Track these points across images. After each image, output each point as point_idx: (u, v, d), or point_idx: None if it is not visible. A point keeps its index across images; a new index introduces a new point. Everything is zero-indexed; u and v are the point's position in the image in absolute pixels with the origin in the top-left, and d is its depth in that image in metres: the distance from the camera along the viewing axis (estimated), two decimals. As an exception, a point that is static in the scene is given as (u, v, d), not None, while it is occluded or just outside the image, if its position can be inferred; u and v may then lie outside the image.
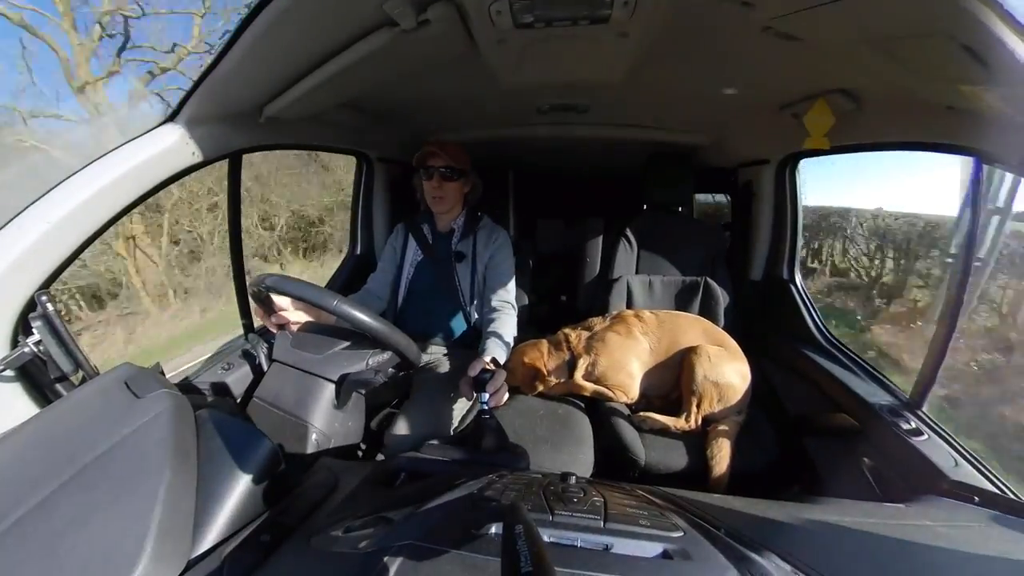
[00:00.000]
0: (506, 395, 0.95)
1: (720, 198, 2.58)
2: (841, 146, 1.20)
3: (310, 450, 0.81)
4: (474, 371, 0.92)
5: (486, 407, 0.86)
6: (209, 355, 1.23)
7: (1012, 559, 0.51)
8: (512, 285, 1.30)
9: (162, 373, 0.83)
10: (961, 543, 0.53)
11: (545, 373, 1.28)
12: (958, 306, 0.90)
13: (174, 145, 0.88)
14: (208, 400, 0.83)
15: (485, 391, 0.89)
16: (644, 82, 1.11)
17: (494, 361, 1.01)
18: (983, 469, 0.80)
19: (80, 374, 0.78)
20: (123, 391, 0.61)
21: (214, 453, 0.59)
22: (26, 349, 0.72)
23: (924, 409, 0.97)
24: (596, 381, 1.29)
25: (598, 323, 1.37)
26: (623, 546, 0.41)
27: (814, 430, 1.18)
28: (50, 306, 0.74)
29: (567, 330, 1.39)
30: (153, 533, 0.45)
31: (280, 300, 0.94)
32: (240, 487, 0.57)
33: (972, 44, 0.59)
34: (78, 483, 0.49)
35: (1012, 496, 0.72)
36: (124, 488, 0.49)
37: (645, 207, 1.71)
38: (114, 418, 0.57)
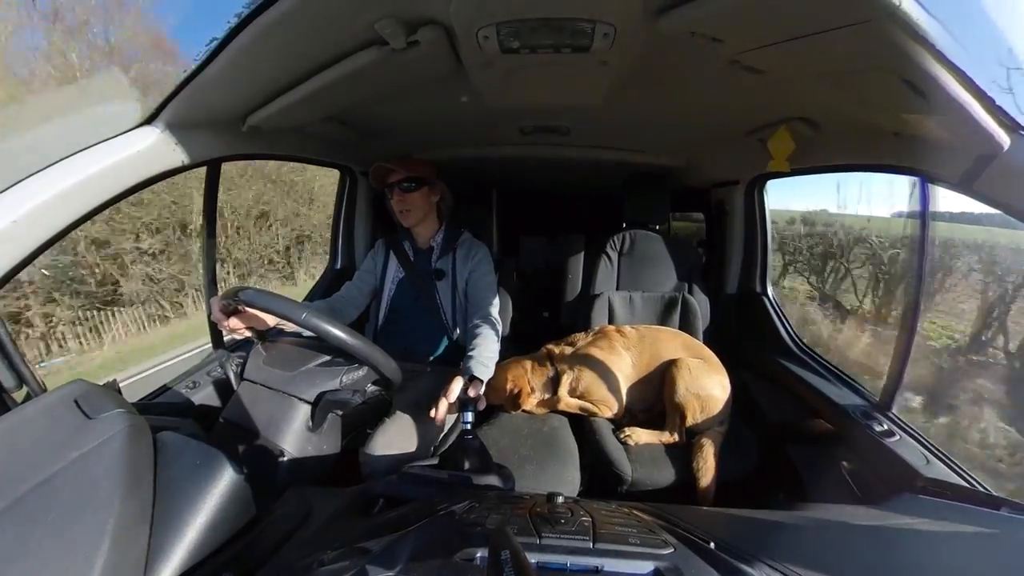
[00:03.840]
0: (483, 403, 0.93)
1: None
2: (802, 168, 1.30)
3: (281, 476, 0.77)
4: (452, 394, 0.89)
5: (469, 427, 0.83)
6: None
7: (984, 549, 0.53)
8: (495, 299, 1.28)
9: (119, 391, 0.76)
10: (939, 538, 0.56)
11: (529, 390, 1.26)
12: (916, 312, 0.97)
13: (150, 148, 0.85)
14: (170, 421, 0.76)
15: (467, 410, 0.86)
16: (622, 107, 1.18)
17: (472, 379, 0.98)
18: (953, 465, 0.84)
19: (24, 390, 0.71)
20: (72, 410, 0.56)
21: (174, 480, 0.55)
22: None
23: (894, 411, 1.02)
24: (580, 397, 1.29)
25: (581, 339, 1.39)
26: (614, 566, 0.41)
27: (794, 436, 1.21)
28: None
29: (550, 346, 1.40)
30: (98, 572, 0.41)
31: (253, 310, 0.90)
32: (201, 518, 0.52)
33: (911, 78, 0.66)
34: (15, 513, 0.43)
35: (981, 489, 0.75)
36: (68, 520, 0.44)
37: (624, 225, 1.76)
38: (61, 440, 0.51)
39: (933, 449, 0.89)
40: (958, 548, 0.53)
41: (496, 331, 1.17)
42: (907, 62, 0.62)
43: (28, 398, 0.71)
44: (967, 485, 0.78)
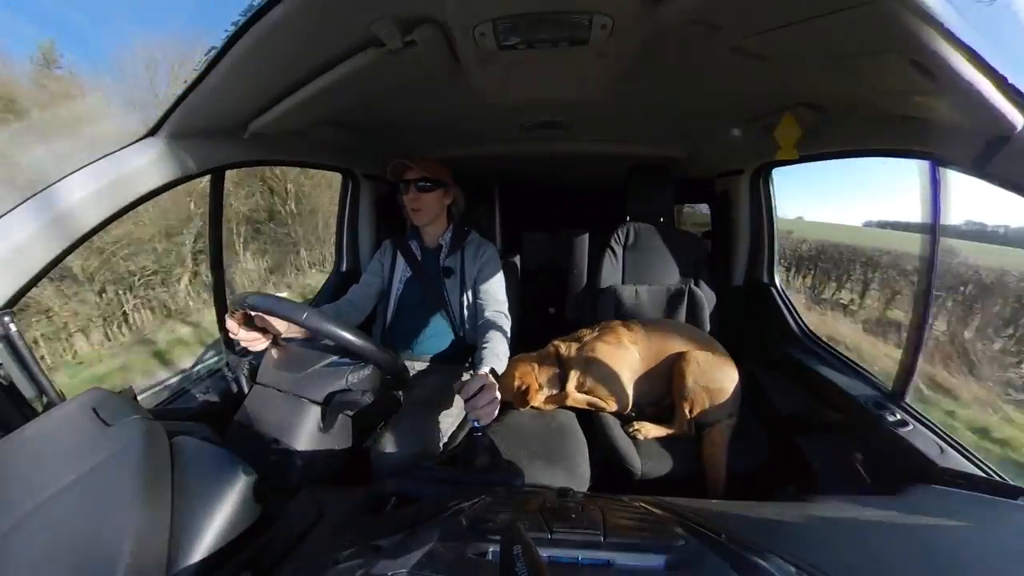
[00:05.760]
0: (496, 409, 0.87)
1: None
2: (808, 155, 1.27)
3: (294, 477, 0.78)
4: (470, 391, 0.85)
5: (477, 424, 0.83)
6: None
7: (1001, 540, 0.52)
8: (503, 296, 1.29)
9: (135, 398, 0.78)
10: (954, 528, 0.55)
11: (537, 386, 1.26)
12: (928, 300, 0.95)
13: (155, 159, 0.86)
14: (185, 426, 0.78)
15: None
16: (622, 99, 1.16)
17: (492, 372, 0.97)
18: (968, 454, 0.83)
19: (44, 400, 0.73)
20: (91, 418, 0.58)
21: (190, 484, 0.56)
22: None
23: (907, 400, 1.00)
24: (588, 392, 1.29)
25: (587, 334, 1.38)
26: (625, 559, 0.41)
27: (804, 428, 1.20)
28: (12, 327, 0.70)
29: (557, 342, 1.39)
30: (121, 574, 0.42)
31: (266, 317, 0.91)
32: (218, 520, 0.54)
33: (919, 59, 0.64)
34: (39, 520, 0.45)
35: (997, 478, 0.74)
36: (90, 525, 0.46)
37: (628, 218, 1.75)
38: (81, 448, 0.53)
39: (948, 439, 0.87)
40: (974, 539, 0.52)
41: (506, 327, 1.17)
42: (914, 42, 0.60)
43: (48, 407, 0.73)
44: (983, 475, 0.76)
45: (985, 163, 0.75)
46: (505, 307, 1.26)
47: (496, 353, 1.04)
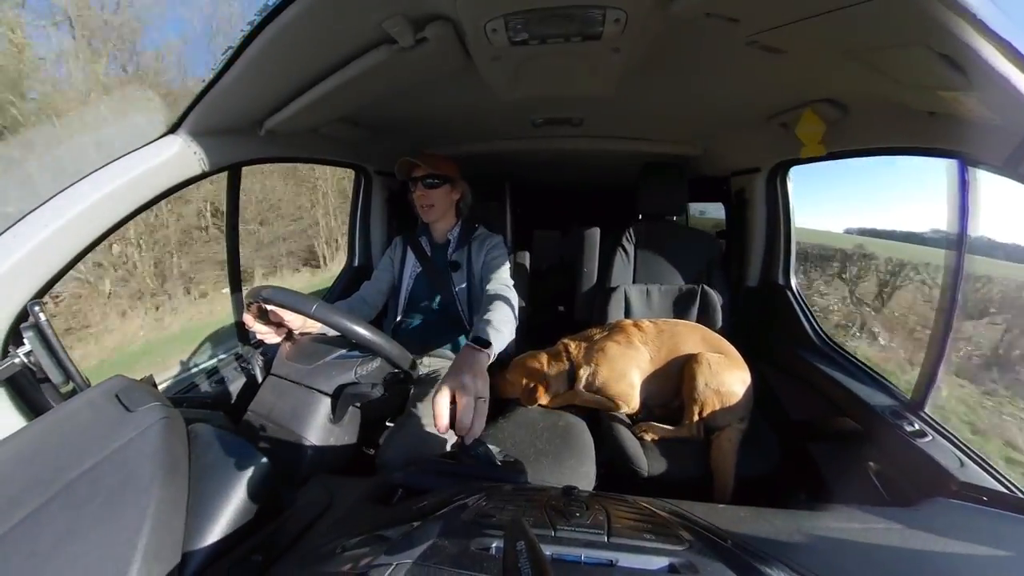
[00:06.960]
0: (483, 419, 0.70)
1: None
2: (829, 153, 1.23)
3: (305, 466, 0.80)
4: (442, 420, 0.67)
5: (467, 441, 0.80)
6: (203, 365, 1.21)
7: (1022, 559, 0.50)
8: (507, 276, 1.24)
9: (155, 385, 0.81)
10: (972, 546, 0.52)
11: (545, 384, 1.26)
12: (952, 306, 0.91)
13: (175, 156, 0.89)
14: (202, 414, 0.81)
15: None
16: (636, 95, 1.15)
17: (477, 340, 0.82)
18: (990, 469, 0.79)
19: (71, 386, 0.76)
20: (114, 404, 0.60)
21: (206, 469, 0.58)
22: (16, 360, 0.72)
23: (926, 410, 0.96)
24: (597, 391, 1.28)
25: (597, 333, 1.37)
26: (628, 561, 0.40)
27: (817, 435, 1.17)
28: (42, 316, 0.73)
29: (566, 340, 1.39)
30: (140, 553, 0.44)
31: (282, 312, 0.93)
32: (232, 505, 0.56)
33: (948, 52, 0.62)
34: (63, 500, 0.47)
35: (1021, 494, 0.71)
36: (111, 505, 0.48)
37: (640, 217, 1.73)
38: (104, 432, 0.55)
39: (969, 451, 0.83)
40: (994, 557, 0.50)
41: (510, 298, 1.08)
42: (943, 34, 0.57)
43: (74, 392, 0.77)
44: (1005, 490, 0.73)
45: (1018, 163, 0.71)
46: (510, 283, 1.18)
47: (493, 322, 0.88)
